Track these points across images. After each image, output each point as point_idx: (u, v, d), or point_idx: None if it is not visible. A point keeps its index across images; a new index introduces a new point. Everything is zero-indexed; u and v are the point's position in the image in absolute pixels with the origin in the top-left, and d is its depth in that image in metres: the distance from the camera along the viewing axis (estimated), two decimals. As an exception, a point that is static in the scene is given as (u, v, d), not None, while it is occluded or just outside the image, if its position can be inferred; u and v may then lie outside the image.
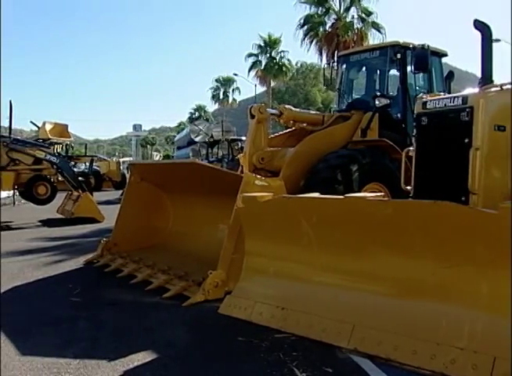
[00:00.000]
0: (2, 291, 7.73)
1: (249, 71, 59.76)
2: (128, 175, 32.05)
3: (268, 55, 58.84)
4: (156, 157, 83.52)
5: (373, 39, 37.64)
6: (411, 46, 11.18)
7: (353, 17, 39.67)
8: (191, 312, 6.47)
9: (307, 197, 6.33)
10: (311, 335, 5.37)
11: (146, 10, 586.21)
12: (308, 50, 41.81)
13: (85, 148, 36.41)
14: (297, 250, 6.08)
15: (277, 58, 58.66)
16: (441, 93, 9.35)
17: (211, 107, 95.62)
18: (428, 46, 10.56)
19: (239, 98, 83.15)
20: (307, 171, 9.76)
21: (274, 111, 10.93)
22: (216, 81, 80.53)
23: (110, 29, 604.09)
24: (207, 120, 70.22)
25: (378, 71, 12.50)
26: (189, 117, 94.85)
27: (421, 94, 8.81)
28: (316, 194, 6.45)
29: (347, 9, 39.98)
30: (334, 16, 40.27)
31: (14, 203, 22.25)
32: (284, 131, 11.91)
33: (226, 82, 79.29)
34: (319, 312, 5.54)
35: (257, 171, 9.27)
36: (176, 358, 5.09)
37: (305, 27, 41.37)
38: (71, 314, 6.56)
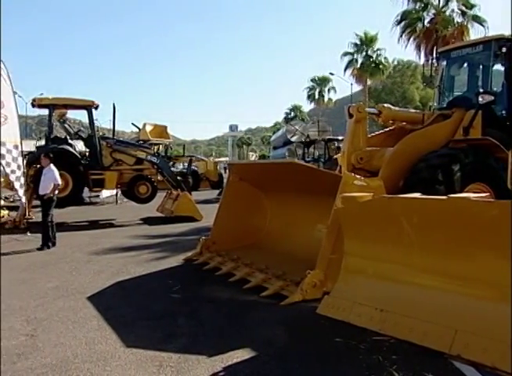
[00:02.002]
0: (107, 285, 8.10)
1: (345, 70, 59.08)
2: (224, 175, 32.73)
3: (364, 53, 57.91)
4: (252, 157, 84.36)
5: (475, 33, 36.19)
6: (517, 39, 10.66)
7: (453, 11, 38.33)
8: (289, 312, 6.50)
9: (408, 198, 6.19)
10: (412, 339, 5.26)
11: (243, 10, 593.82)
12: (406, 47, 40.87)
13: (183, 148, 37.12)
14: (397, 251, 5.97)
15: (373, 56, 57.71)
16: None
17: (307, 107, 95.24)
18: (537, 39, 10.05)
19: (334, 97, 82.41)
20: (406, 171, 9.55)
21: (373, 110, 10.75)
22: (312, 80, 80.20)
23: (204, 28, 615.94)
24: (302, 120, 70.12)
25: (481, 67, 12.00)
26: (285, 117, 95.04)
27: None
28: (417, 195, 6.29)
29: (447, 3, 38.63)
30: (433, 11, 39.08)
31: (117, 201, 23.14)
32: (383, 131, 11.69)
33: (322, 82, 78.76)
34: (419, 316, 5.41)
35: (355, 171, 9.15)
36: (274, 356, 5.12)
37: (403, 23, 40.45)
38: (172, 309, 6.76)
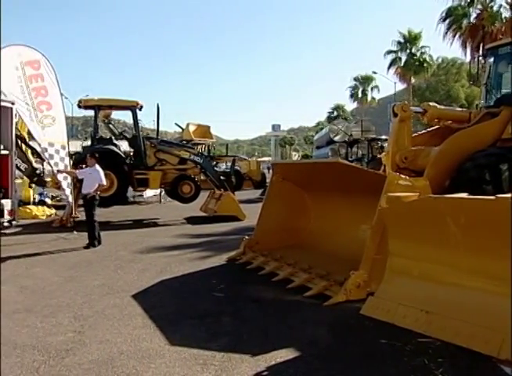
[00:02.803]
0: (152, 283, 8.19)
1: (388, 69, 58.68)
2: (267, 175, 32.75)
3: (408, 51, 57.37)
4: (295, 156, 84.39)
5: (524, 29, 35.30)
6: None
7: (500, 6, 37.56)
8: (332, 312, 6.47)
9: (454, 198, 6.08)
10: (458, 342, 5.16)
11: (283, 10, 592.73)
12: (451, 44, 40.37)
13: (226, 148, 37.42)
14: (443, 252, 5.88)
15: (417, 54, 57.05)
16: None
17: (350, 106, 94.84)
18: None
19: (378, 96, 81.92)
20: (453, 171, 9.40)
21: (418, 109, 10.62)
22: (355, 79, 79.85)
23: (248, 29, 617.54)
24: (345, 119, 69.76)
25: (532, 63, 11.71)
26: (328, 117, 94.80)
27: None
28: (464, 195, 6.17)
29: (494, -2, 37.89)
30: (479, 7, 38.40)
31: (160, 201, 23.39)
32: (428, 130, 11.53)
33: (365, 81, 78.32)
34: (466, 318, 5.31)
35: (400, 171, 9.04)
36: (318, 357, 5.10)
37: (448, 20, 39.93)
38: (215, 309, 6.79)
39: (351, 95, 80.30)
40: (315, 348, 5.32)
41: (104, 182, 11.91)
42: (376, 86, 78.51)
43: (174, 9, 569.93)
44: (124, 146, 18.74)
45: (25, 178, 16.74)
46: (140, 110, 17.94)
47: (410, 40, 57.22)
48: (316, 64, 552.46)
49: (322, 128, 64.39)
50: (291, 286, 7.54)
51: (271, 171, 11.50)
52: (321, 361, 4.98)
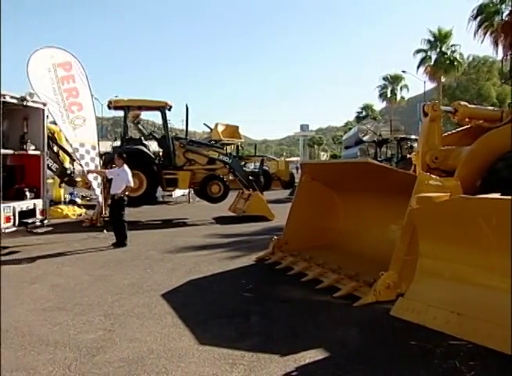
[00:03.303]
0: (181, 283, 8.23)
1: (418, 68, 57.98)
2: (296, 175, 32.66)
3: (438, 50, 56.71)
4: (324, 156, 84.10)
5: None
6: None
7: (534, 2, 36.87)
8: (362, 313, 6.43)
9: (486, 198, 6.00)
10: (490, 344, 5.09)
11: (311, 9, 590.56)
12: (482, 42, 39.75)
13: (255, 148, 37.23)
14: (474, 253, 5.80)
15: (448, 52, 56.36)
16: None
17: (379, 106, 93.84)
18: None
19: (407, 95, 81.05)
20: (484, 171, 9.27)
21: (448, 108, 10.51)
22: (384, 79, 79.10)
23: (276, 29, 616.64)
24: (374, 119, 69.33)
25: None
26: (357, 117, 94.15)
27: None
28: (496, 195, 6.08)
29: (528, -6, 37.21)
30: (512, 3, 37.74)
31: (189, 201, 23.49)
32: (458, 129, 11.40)
33: (394, 80, 77.52)
34: (498, 320, 5.23)
35: (430, 171, 8.94)
36: (348, 358, 5.08)
37: (479, 17, 39.32)
38: (245, 308, 6.80)
39: (380, 95, 79.59)
40: (344, 349, 5.29)
41: (132, 183, 12.00)
42: (406, 85, 77.69)
43: (201, 7, 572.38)
44: (153, 146, 18.87)
45: (56, 178, 16.95)
46: (169, 110, 18.07)
47: (440, 38, 56.52)
48: (345, 64, 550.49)
49: (350, 128, 64.08)
50: (320, 286, 7.52)
51: (299, 171, 11.45)
52: (350, 362, 4.95)
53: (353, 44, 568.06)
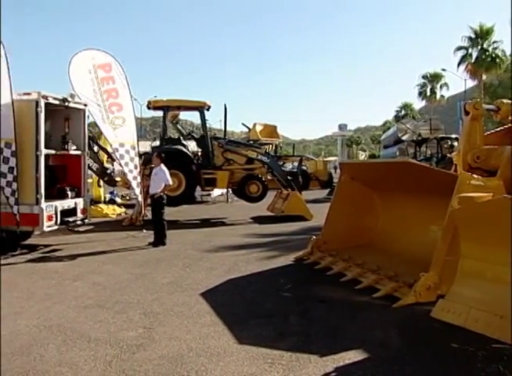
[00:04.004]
0: (220, 282, 8.27)
1: (458, 65, 56.97)
2: (334, 175, 32.49)
3: (479, 47, 55.66)
4: (362, 156, 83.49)
5: None
6: None
7: None
8: (402, 314, 6.37)
9: (530, 198, 5.87)
10: (534, 348, 4.98)
11: (355, 9, 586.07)
12: (526, 37, 38.85)
13: (293, 148, 37.14)
14: (518, 254, 5.68)
15: (489, 49, 55.26)
16: None
17: (418, 105, 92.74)
18: None
19: (447, 94, 79.79)
20: (528, 171, 9.08)
21: (491, 107, 10.29)
22: (423, 77, 78.04)
23: (311, 29, 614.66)
24: (413, 118, 68.56)
25: None
26: (395, 116, 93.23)
27: None
28: (541, 195, 5.95)
29: None
30: (557, -4, 36.78)
31: (227, 200, 23.57)
32: (501, 128, 11.18)
33: (434, 78, 76.40)
34: (542, 324, 5.12)
35: (472, 171, 8.79)
36: (387, 359, 5.03)
37: (523, 11, 38.45)
38: (283, 308, 6.80)
39: (420, 94, 78.57)
40: (384, 351, 5.25)
41: (170, 181, 12.10)
42: (446, 84, 76.50)
43: (242, 9, 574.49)
44: (191, 146, 18.97)
45: (95, 177, 17.18)
46: (208, 110, 18.11)
47: (482, 35, 55.45)
48: (383, 62, 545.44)
49: (389, 128, 63.47)
50: (359, 287, 7.48)
51: (337, 170, 11.40)
52: (390, 364, 4.91)
53: (392, 42, 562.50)
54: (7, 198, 10.31)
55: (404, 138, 33.64)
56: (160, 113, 18.47)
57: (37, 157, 10.43)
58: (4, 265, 9.54)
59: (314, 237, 9.74)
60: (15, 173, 10.23)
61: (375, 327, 5.95)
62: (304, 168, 30.49)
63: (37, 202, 10.44)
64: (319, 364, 4.90)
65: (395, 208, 9.32)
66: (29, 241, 11.77)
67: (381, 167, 9.40)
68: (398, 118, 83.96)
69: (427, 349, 5.29)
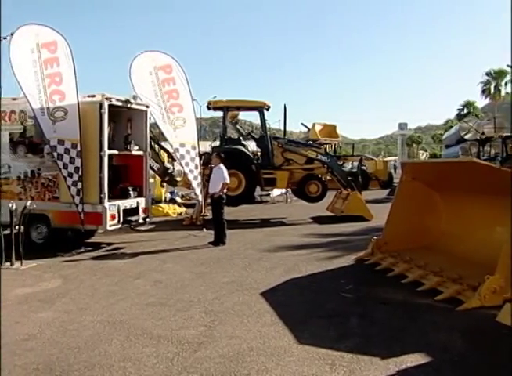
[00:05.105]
0: (280, 281, 8.30)
1: (524, 61, 55.43)
2: (394, 175, 32.04)
3: (547, 41, 53.95)
4: (423, 156, 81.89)
5: None
6: None
7: None
8: (465, 318, 6.24)
9: None
10: None
11: (410, 8, 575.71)
12: None
13: (352, 148, 36.82)
14: None
15: (559, 42, 53.46)
16: None
17: (481, 103, 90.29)
18: None
19: (512, 91, 77.51)
20: None
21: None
22: (487, 74, 75.90)
23: (370, 29, 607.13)
24: (476, 116, 66.82)
25: None
26: (457, 114, 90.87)
27: None
28: None
29: None
30: None
31: (287, 200, 23.56)
32: None
33: (498, 75, 74.25)
34: None
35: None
36: (450, 363, 4.94)
37: None
38: (344, 309, 6.77)
39: (483, 91, 76.44)
40: (447, 355, 5.15)
41: (227, 179, 12.18)
42: (511, 80, 74.39)
43: (302, 10, 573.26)
44: (251, 146, 19.05)
45: (157, 177, 17.46)
46: (267, 110, 18.16)
47: (550, 29, 53.71)
48: (445, 60, 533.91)
49: (451, 127, 62.08)
50: (421, 289, 7.36)
51: (397, 170, 11.23)
52: (453, 368, 4.83)
53: (454, 37, 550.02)
54: (72, 197, 10.63)
55: (467, 137, 32.91)
56: (219, 114, 18.65)
57: (101, 158, 10.70)
58: (69, 261, 9.84)
59: (374, 238, 9.63)
60: (80, 173, 10.54)
61: (438, 331, 5.84)
62: (363, 167, 30.24)
63: (101, 201, 10.72)
64: (381, 367, 4.85)
65: (459, 209, 9.10)
66: (93, 239, 12.10)
67: (445, 167, 9.20)
68: (460, 117, 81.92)
69: (493, 355, 5.17)
